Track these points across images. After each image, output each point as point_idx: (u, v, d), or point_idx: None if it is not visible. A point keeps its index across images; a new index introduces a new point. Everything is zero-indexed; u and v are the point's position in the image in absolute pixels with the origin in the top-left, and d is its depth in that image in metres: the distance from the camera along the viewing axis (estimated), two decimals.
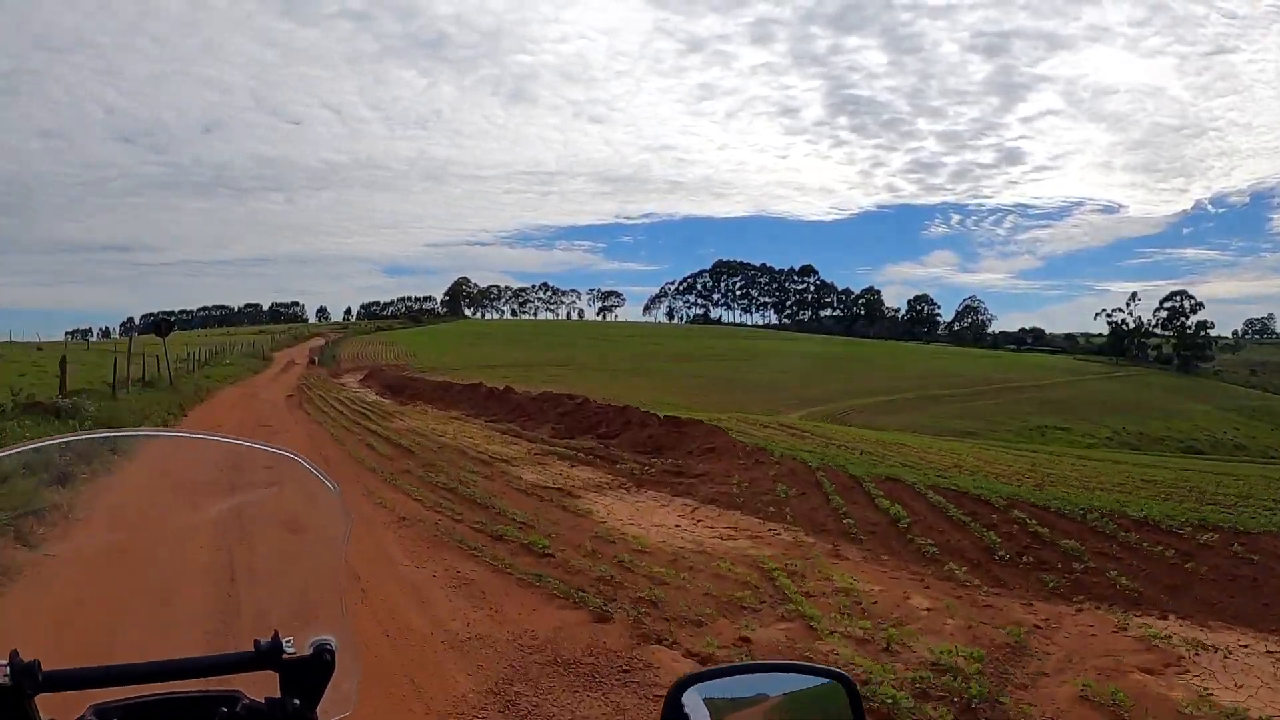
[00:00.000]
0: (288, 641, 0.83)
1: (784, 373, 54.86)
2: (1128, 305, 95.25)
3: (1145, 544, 6.43)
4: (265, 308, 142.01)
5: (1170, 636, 4.68)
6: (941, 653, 4.22)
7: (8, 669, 0.72)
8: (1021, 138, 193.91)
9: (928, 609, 5.18)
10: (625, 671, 3.71)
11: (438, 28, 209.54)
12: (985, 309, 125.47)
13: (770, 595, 5.17)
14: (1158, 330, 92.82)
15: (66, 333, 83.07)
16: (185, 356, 29.25)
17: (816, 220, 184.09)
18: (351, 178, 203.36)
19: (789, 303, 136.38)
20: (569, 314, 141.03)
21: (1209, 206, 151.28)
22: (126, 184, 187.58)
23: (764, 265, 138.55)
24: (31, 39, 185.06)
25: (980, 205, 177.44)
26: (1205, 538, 6.18)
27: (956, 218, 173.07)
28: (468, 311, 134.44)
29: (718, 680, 0.92)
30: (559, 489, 8.50)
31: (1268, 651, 4.41)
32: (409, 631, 4.01)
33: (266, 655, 0.82)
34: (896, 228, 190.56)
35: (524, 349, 64.83)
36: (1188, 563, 5.83)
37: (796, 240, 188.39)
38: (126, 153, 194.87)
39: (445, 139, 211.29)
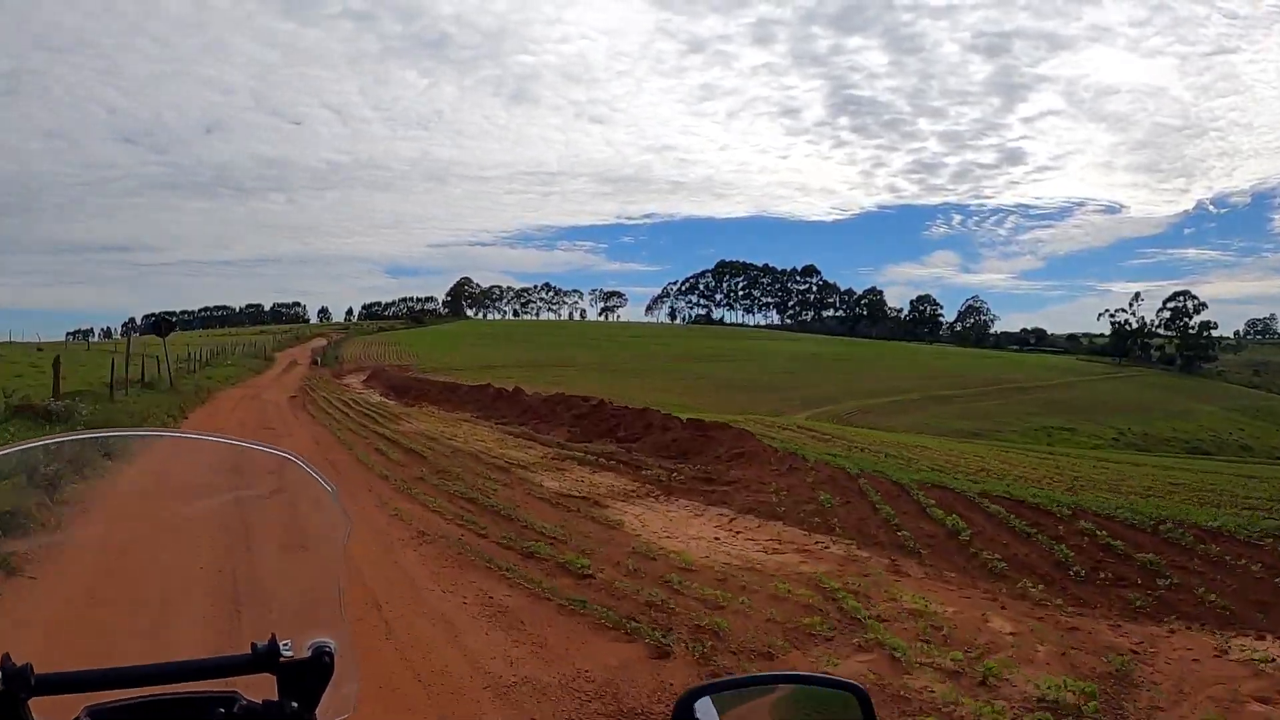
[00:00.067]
0: (285, 644, 0.80)
1: (787, 373, 54.81)
2: (1131, 305, 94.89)
3: (1227, 557, 6.03)
4: (267, 308, 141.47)
5: (1275, 659, 4.35)
6: (1048, 687, 3.81)
7: (0, 673, 0.71)
8: (1023, 138, 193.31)
9: (1011, 633, 4.74)
10: None
11: (439, 28, 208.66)
12: (988, 309, 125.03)
13: (839, 620, 4.68)
14: (1161, 331, 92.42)
15: (68, 333, 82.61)
16: (186, 357, 28.80)
17: (818, 220, 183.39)
18: (353, 178, 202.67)
19: (791, 303, 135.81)
20: (571, 314, 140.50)
21: (1210, 207, 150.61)
22: (128, 184, 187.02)
23: (766, 265, 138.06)
24: (32, 39, 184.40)
25: (981, 205, 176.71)
26: None
27: (958, 218, 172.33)
28: (470, 312, 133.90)
29: (729, 692, 0.89)
30: (584, 498, 7.95)
31: None
32: (444, 675, 3.44)
33: (264, 658, 0.79)
34: (898, 228, 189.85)
35: (527, 349, 64.42)
36: (1276, 577, 5.48)
37: (798, 241, 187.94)
38: (128, 153, 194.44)
39: (447, 139, 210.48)
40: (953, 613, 4.98)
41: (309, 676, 0.81)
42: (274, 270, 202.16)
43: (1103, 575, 5.81)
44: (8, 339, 49.76)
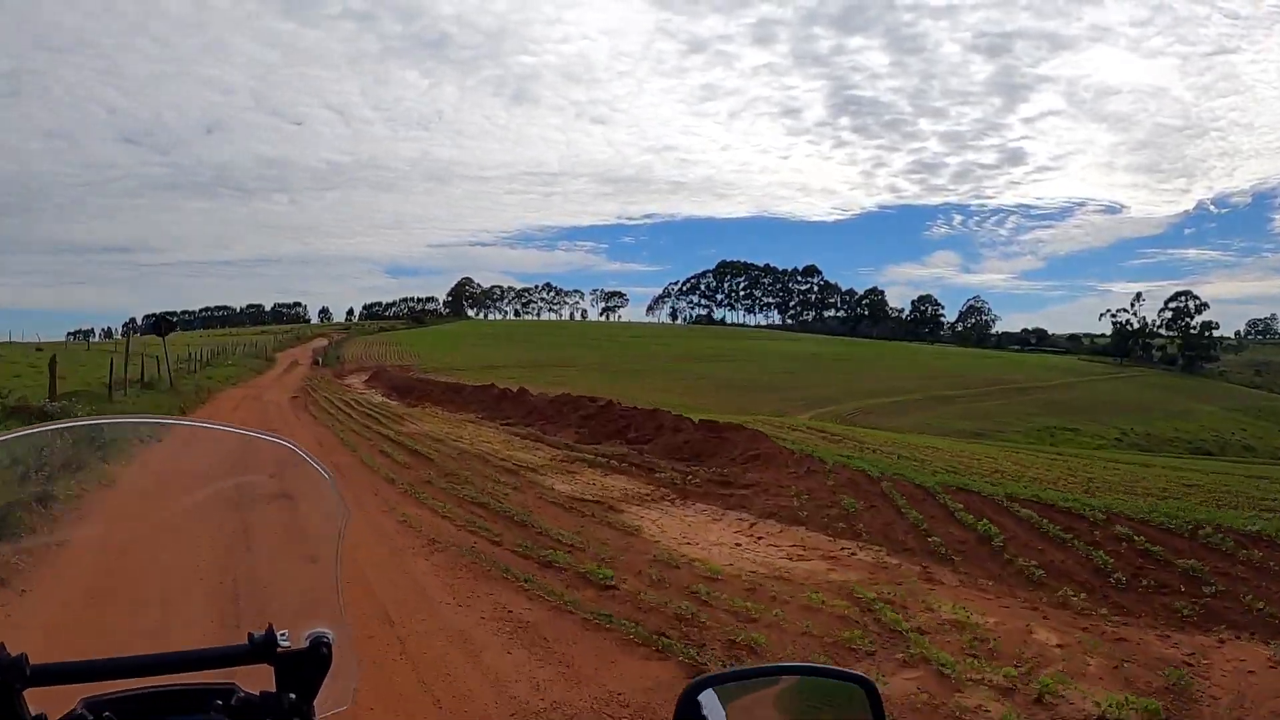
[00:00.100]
0: (283, 634, 0.79)
1: (788, 373, 54.79)
2: (1132, 306, 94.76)
3: (1270, 563, 5.81)
4: (267, 308, 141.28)
5: None
6: (1108, 705, 3.59)
7: None
8: (1023, 138, 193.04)
9: (1059, 645, 4.51)
10: None
11: (440, 28, 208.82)
12: (989, 309, 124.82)
13: (878, 633, 4.44)
14: (1162, 331, 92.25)
15: (68, 333, 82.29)
16: (187, 357, 28.57)
17: (819, 221, 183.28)
18: (354, 178, 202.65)
19: (793, 303, 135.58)
20: (572, 314, 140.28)
21: (1211, 207, 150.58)
22: (129, 185, 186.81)
23: (768, 265, 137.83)
24: (33, 39, 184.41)
25: (982, 206, 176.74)
26: None
27: (958, 218, 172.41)
28: (470, 312, 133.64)
29: (733, 683, 0.86)
30: (597, 501, 7.68)
31: None
32: (467, 700, 3.15)
33: (261, 648, 0.78)
34: (898, 228, 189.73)
35: (528, 349, 64.23)
36: None
37: (798, 241, 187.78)
38: (129, 153, 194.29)
39: (448, 140, 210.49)
40: (994, 623, 4.76)
41: (307, 667, 0.79)
42: (275, 270, 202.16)
43: (1144, 583, 5.58)
44: (7, 339, 49.53)
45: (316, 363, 42.96)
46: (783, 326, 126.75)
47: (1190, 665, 4.25)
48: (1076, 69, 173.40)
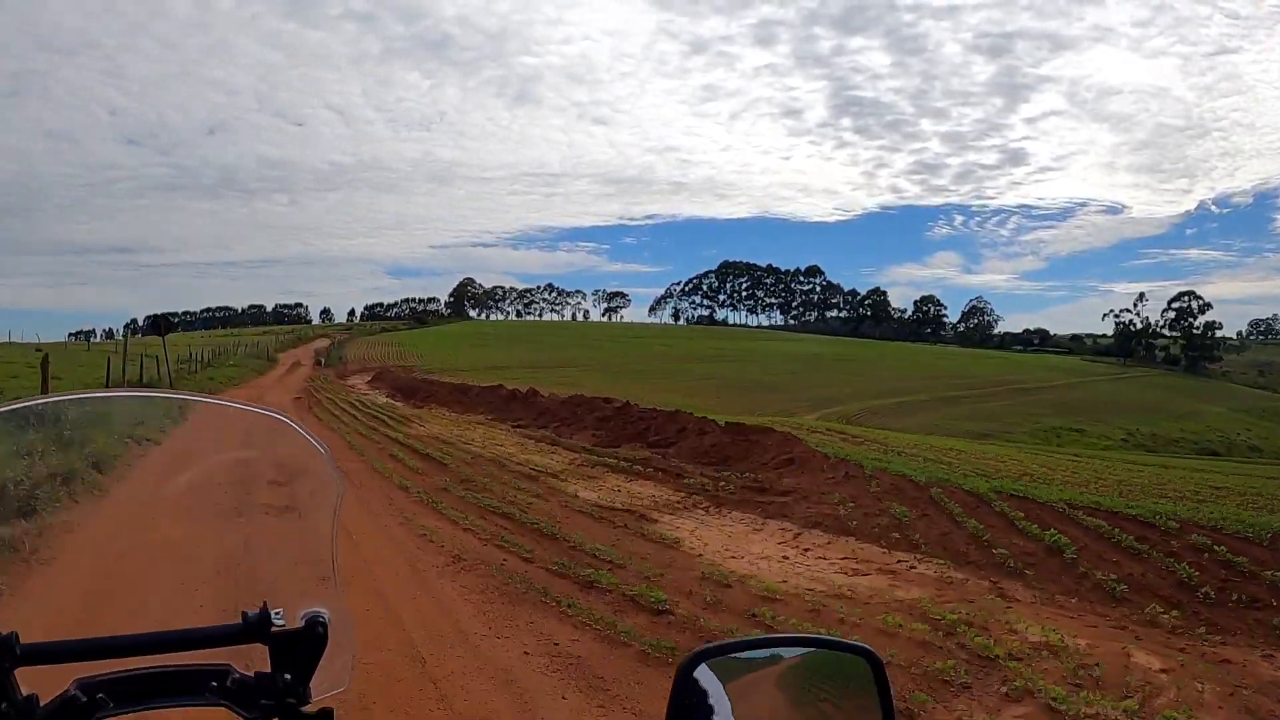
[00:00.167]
0: (277, 613, 0.76)
1: (793, 374, 54.61)
2: (1135, 306, 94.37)
3: None
4: (269, 309, 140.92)
5: None
6: None
7: None
8: (1025, 139, 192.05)
9: (1163, 670, 4.10)
10: None
11: (442, 29, 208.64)
12: (991, 310, 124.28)
13: (969, 661, 3.97)
14: (1165, 331, 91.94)
15: (69, 334, 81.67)
16: (188, 357, 28.11)
17: (820, 221, 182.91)
18: (356, 179, 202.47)
19: (795, 304, 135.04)
20: (574, 315, 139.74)
21: (1212, 207, 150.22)
22: (131, 185, 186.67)
23: (770, 266, 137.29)
24: (36, 40, 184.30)
25: (984, 206, 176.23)
26: None
27: (960, 219, 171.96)
28: (472, 313, 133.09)
29: (732, 658, 0.84)
30: (627, 510, 7.15)
31: None
32: None
33: (254, 628, 0.75)
34: (900, 229, 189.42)
35: (531, 350, 63.80)
36: None
37: (800, 241, 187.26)
38: (131, 154, 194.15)
39: (449, 140, 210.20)
40: (1087, 646, 4.33)
41: (302, 647, 0.76)
42: (277, 271, 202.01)
43: (1234, 597, 5.16)
44: (7, 340, 49.08)
45: (319, 363, 42.48)
46: (785, 327, 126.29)
47: None
48: (1078, 69, 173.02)
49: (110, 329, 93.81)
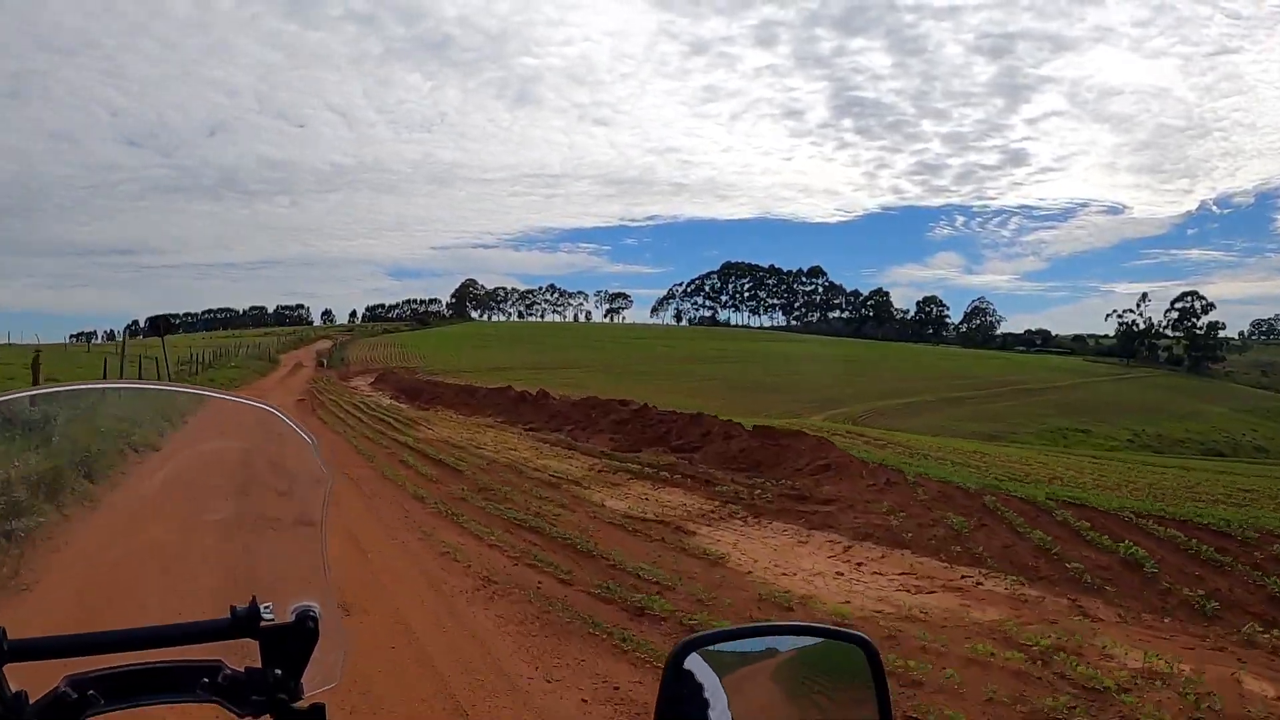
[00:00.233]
0: (266, 608, 0.74)
1: (796, 374, 54.37)
2: (1138, 306, 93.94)
3: None
4: (270, 310, 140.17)
5: None
6: None
7: None
8: (1026, 139, 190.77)
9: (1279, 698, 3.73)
10: None
11: (443, 30, 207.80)
12: (993, 310, 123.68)
13: (1075, 693, 3.59)
14: (1168, 331, 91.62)
15: (70, 335, 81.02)
16: (189, 359, 27.64)
17: (821, 222, 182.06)
18: (357, 180, 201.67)
19: (797, 304, 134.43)
20: (576, 316, 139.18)
21: (1213, 207, 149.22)
22: (132, 187, 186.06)
23: (772, 266, 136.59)
24: (36, 40, 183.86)
25: (985, 207, 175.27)
26: None
27: (961, 219, 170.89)
28: (474, 314, 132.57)
29: (722, 645, 0.81)
30: (660, 521, 6.64)
31: None
32: None
33: (243, 622, 0.74)
34: (901, 229, 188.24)
35: (534, 351, 63.34)
36: None
37: (801, 242, 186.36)
38: (132, 155, 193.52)
39: (450, 142, 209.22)
40: (1192, 671, 3.93)
41: (292, 642, 0.74)
42: (278, 272, 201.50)
43: None
44: (7, 342, 48.56)
45: (321, 364, 41.96)
46: (787, 328, 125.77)
47: None
48: (1079, 70, 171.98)
49: (112, 330, 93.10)
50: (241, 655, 0.74)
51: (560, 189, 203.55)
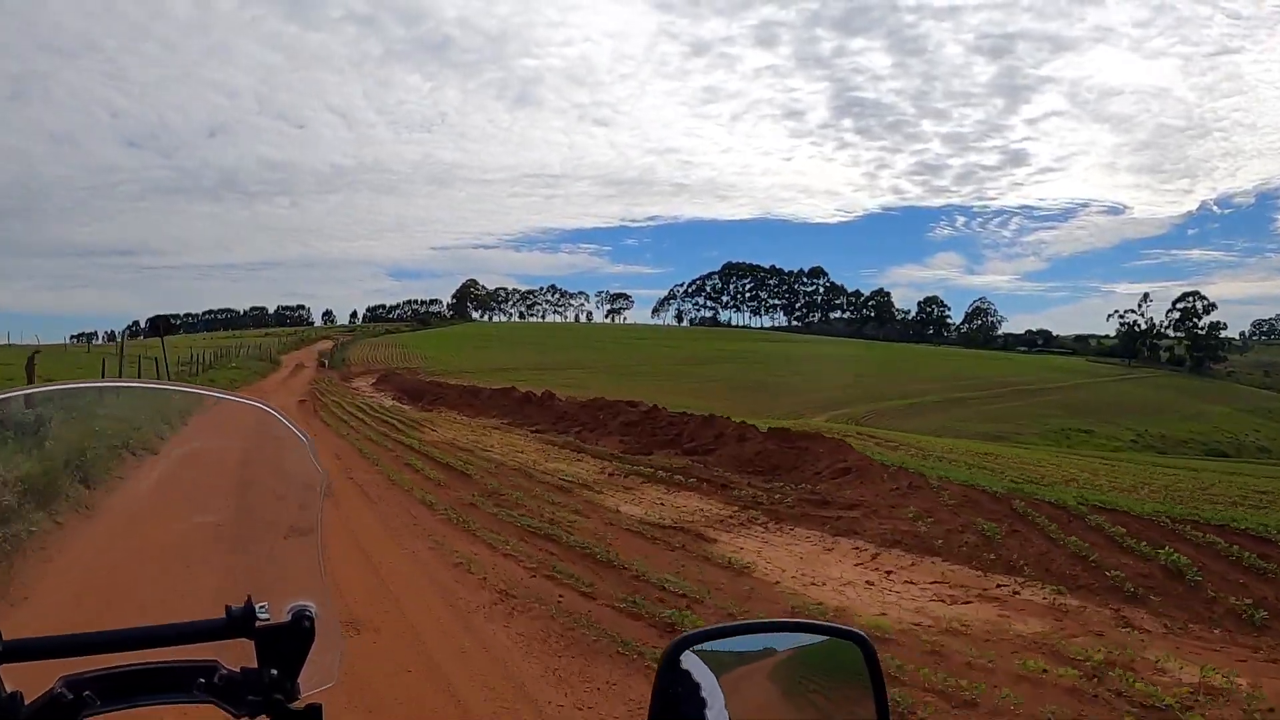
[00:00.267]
0: (261, 607, 0.74)
1: (797, 375, 54.44)
2: (1139, 306, 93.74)
3: None
4: (271, 311, 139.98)
5: None
6: None
7: None
8: (1026, 139, 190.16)
9: None
10: None
11: (443, 31, 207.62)
12: (995, 310, 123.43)
13: (1137, 713, 3.57)
14: (1170, 331, 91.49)
15: (71, 336, 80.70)
16: (189, 359, 27.43)
17: (821, 223, 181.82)
18: (357, 181, 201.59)
19: (798, 305, 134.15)
20: (577, 316, 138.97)
21: (1214, 207, 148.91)
22: (133, 188, 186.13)
23: (773, 267, 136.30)
24: (38, 42, 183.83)
25: (985, 207, 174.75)
26: None
27: (961, 219, 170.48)
28: (475, 314, 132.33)
29: (718, 642, 0.81)
30: (679, 528, 6.39)
31: None
32: None
33: (239, 622, 0.73)
34: (901, 230, 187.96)
35: (535, 351, 63.16)
36: None
37: (801, 243, 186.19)
38: (132, 156, 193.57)
39: (450, 142, 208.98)
40: (1250, 686, 3.73)
41: (288, 642, 0.73)
42: (278, 273, 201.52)
43: None
44: (7, 342, 48.32)
45: (322, 365, 41.74)
46: (788, 328, 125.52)
47: None
48: (1079, 70, 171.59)
49: (112, 331, 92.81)
50: (238, 655, 0.73)
51: (560, 189, 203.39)
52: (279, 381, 29.95)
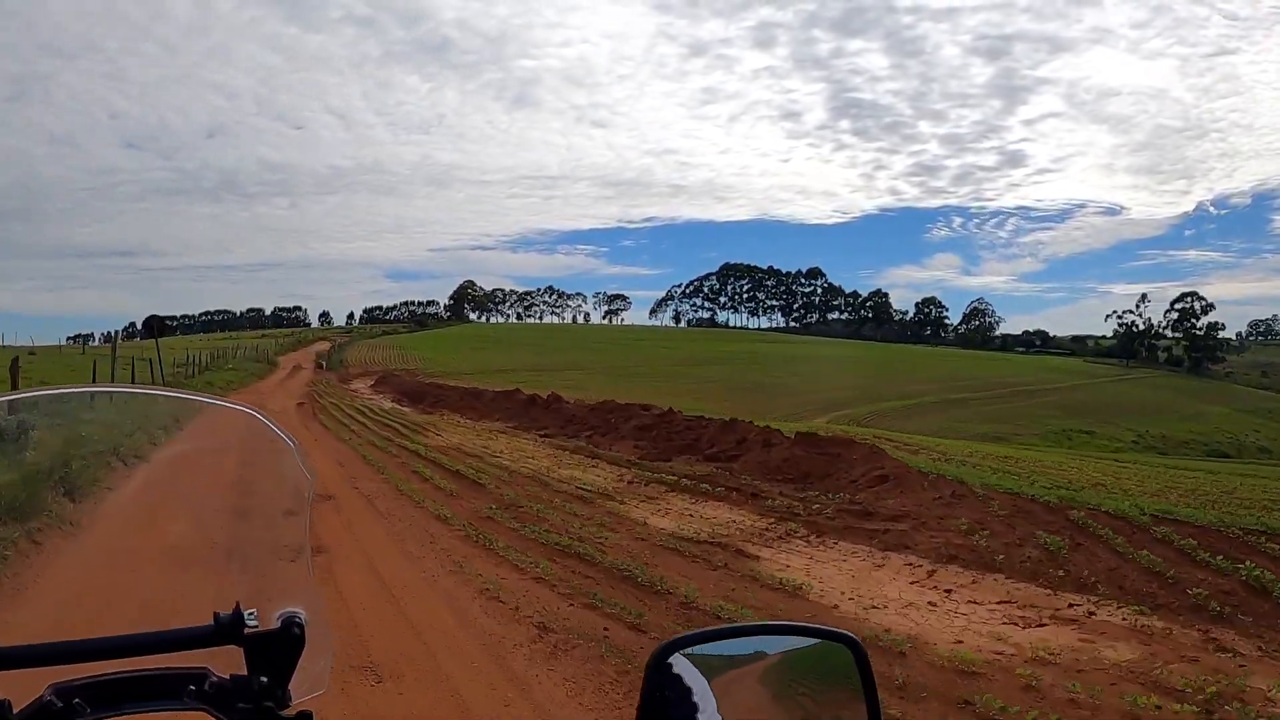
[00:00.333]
0: (250, 614, 0.73)
1: (796, 376, 54.37)
2: (1137, 307, 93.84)
3: None
4: (268, 312, 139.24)
5: None
6: None
7: None
8: (1023, 140, 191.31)
9: None
10: None
11: (442, 33, 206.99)
12: (992, 311, 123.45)
13: None
14: (1168, 332, 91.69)
15: (67, 337, 79.71)
16: (185, 361, 26.87)
17: (819, 224, 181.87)
18: (355, 182, 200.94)
19: (796, 306, 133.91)
20: (575, 318, 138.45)
21: (1211, 208, 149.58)
22: (133, 189, 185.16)
23: (771, 268, 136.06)
24: (39, 44, 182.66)
25: (982, 208, 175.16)
26: None
27: (959, 220, 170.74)
28: (472, 315, 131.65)
29: (706, 645, 0.80)
30: (716, 543, 5.92)
31: None
32: None
33: (227, 629, 0.73)
34: (899, 231, 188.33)
35: (533, 353, 62.75)
36: None
37: (799, 243, 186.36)
38: (132, 158, 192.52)
39: (449, 144, 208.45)
40: None
41: (278, 649, 0.73)
42: (276, 274, 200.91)
43: None
44: (1, 343, 47.73)
45: (320, 367, 41.18)
46: (786, 329, 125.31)
47: None
48: (1076, 71, 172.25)
49: (110, 332, 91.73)
50: (229, 663, 0.72)
51: (558, 191, 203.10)
52: (276, 383, 29.38)
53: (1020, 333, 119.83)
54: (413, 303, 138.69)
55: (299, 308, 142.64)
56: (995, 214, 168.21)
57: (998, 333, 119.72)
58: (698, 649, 0.77)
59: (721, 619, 4.00)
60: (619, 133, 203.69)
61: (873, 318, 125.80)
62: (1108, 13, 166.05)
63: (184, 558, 0.94)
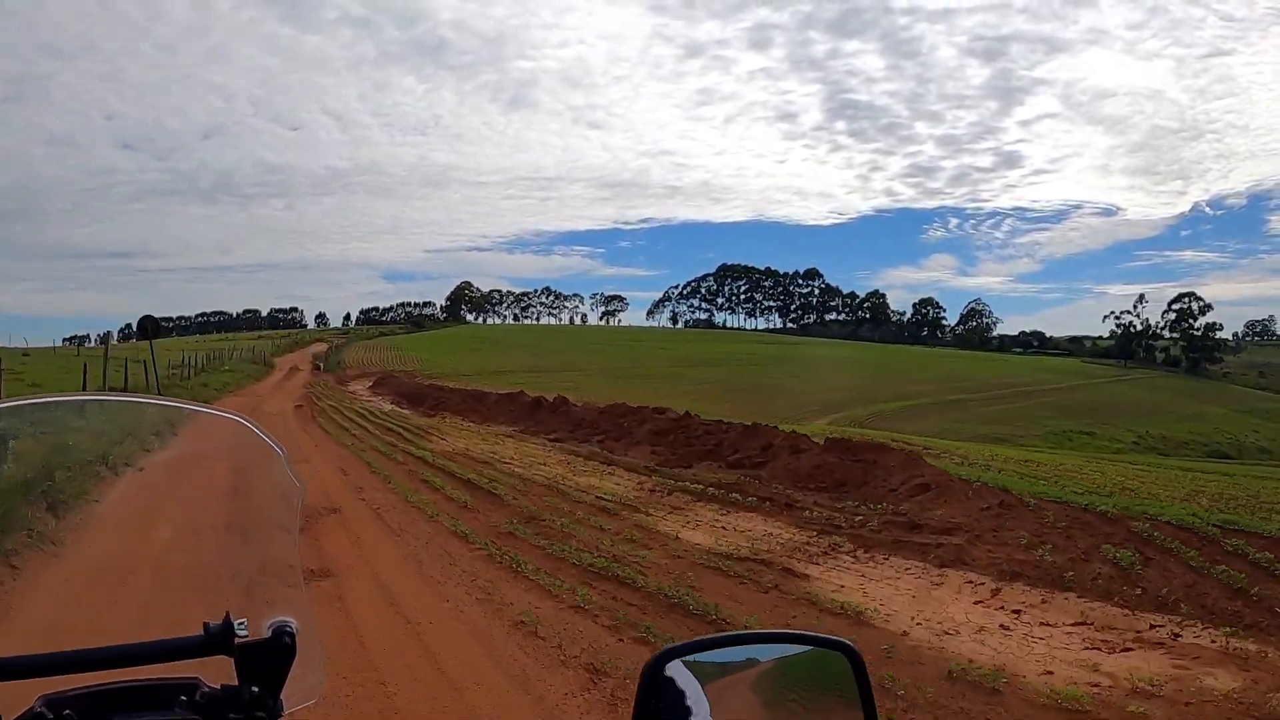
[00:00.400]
0: (240, 624, 0.73)
1: (794, 377, 53.93)
2: (1135, 307, 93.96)
3: None
4: (264, 313, 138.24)
5: None
6: None
7: None
8: (1020, 141, 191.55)
9: None
10: None
11: (438, 34, 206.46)
12: (990, 312, 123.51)
13: None
14: (1165, 333, 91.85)
15: (63, 338, 78.73)
16: (181, 362, 26.29)
17: (815, 225, 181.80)
18: (352, 184, 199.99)
19: (794, 307, 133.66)
20: (572, 319, 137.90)
21: (1207, 209, 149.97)
22: (130, 190, 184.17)
23: (769, 269, 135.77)
24: (37, 45, 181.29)
25: (979, 209, 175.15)
26: None
27: (955, 221, 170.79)
28: (469, 316, 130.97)
29: (703, 654, 0.81)
30: (758, 560, 5.49)
31: None
32: None
33: (217, 639, 0.72)
34: (895, 232, 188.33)
35: (530, 354, 62.25)
36: None
37: (795, 244, 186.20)
38: (129, 159, 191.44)
39: (445, 145, 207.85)
40: None
41: (269, 658, 0.73)
42: (273, 275, 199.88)
43: None
44: None
45: (317, 368, 40.62)
46: (784, 330, 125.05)
47: None
48: (1072, 72, 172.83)
49: (106, 334, 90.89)
50: (219, 673, 0.71)
51: (555, 192, 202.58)
52: (273, 385, 28.83)
53: (1017, 333, 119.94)
54: (409, 304, 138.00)
55: (295, 309, 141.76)
56: (991, 215, 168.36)
57: (995, 333, 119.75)
58: (693, 657, 0.78)
59: None
60: (615, 134, 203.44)
61: (870, 319, 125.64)
62: (1104, 14, 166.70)
63: (173, 567, 0.93)
